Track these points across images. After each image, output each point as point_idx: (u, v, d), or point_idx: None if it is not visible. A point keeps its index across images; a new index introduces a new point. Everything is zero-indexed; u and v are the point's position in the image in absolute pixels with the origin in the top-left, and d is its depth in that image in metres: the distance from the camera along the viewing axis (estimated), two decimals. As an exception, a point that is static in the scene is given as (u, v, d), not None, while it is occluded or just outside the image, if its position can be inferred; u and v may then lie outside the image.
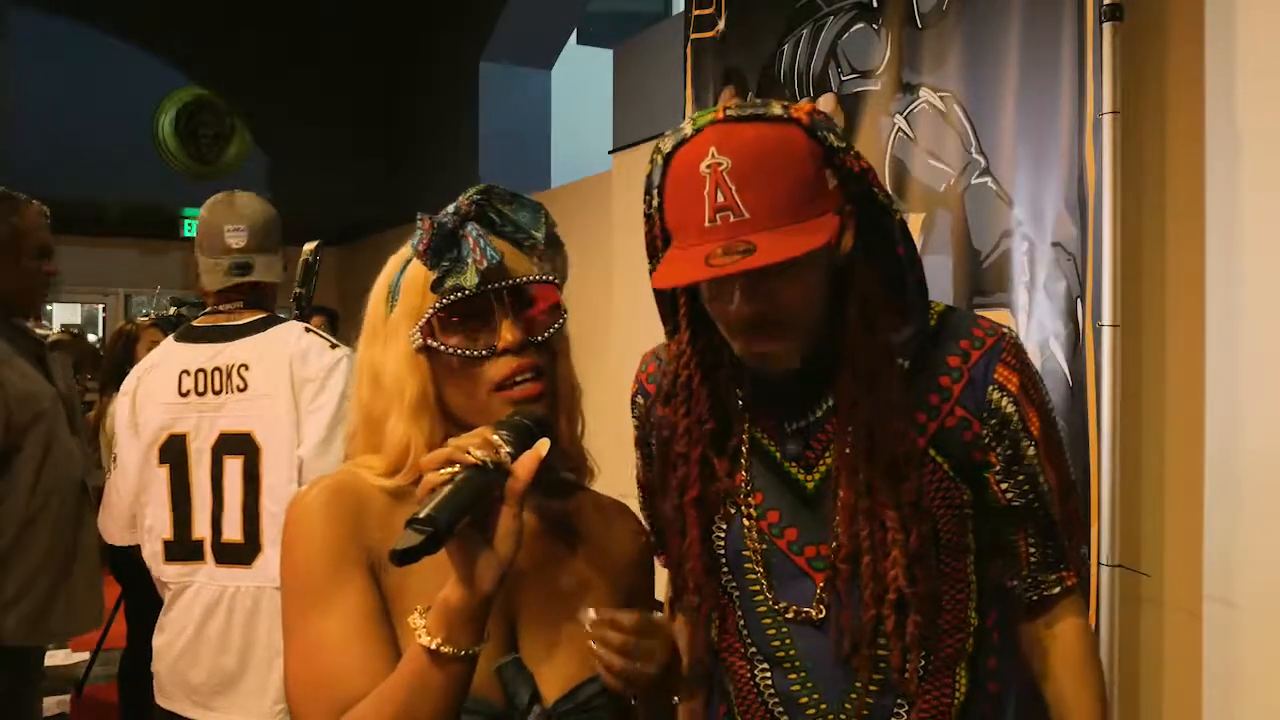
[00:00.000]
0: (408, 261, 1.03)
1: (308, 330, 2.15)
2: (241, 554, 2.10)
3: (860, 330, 1.15)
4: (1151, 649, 2.58)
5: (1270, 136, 2.25)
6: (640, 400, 1.37)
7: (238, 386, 2.11)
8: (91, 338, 9.24)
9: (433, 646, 0.88)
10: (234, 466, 2.09)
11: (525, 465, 0.90)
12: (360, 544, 0.98)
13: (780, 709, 1.21)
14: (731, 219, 1.06)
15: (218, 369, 2.13)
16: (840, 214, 1.12)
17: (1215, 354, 2.34)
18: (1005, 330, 1.22)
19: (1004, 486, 1.20)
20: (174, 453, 2.15)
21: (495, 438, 0.90)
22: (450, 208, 1.01)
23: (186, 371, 2.16)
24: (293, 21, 8.72)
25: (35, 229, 2.39)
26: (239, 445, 2.10)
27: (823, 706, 1.18)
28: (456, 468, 0.87)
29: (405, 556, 0.83)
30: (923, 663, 1.17)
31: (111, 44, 8.47)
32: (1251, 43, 2.29)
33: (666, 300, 1.27)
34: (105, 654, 3.97)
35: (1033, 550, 1.24)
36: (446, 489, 0.85)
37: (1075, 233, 2.44)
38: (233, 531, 2.09)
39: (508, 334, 0.99)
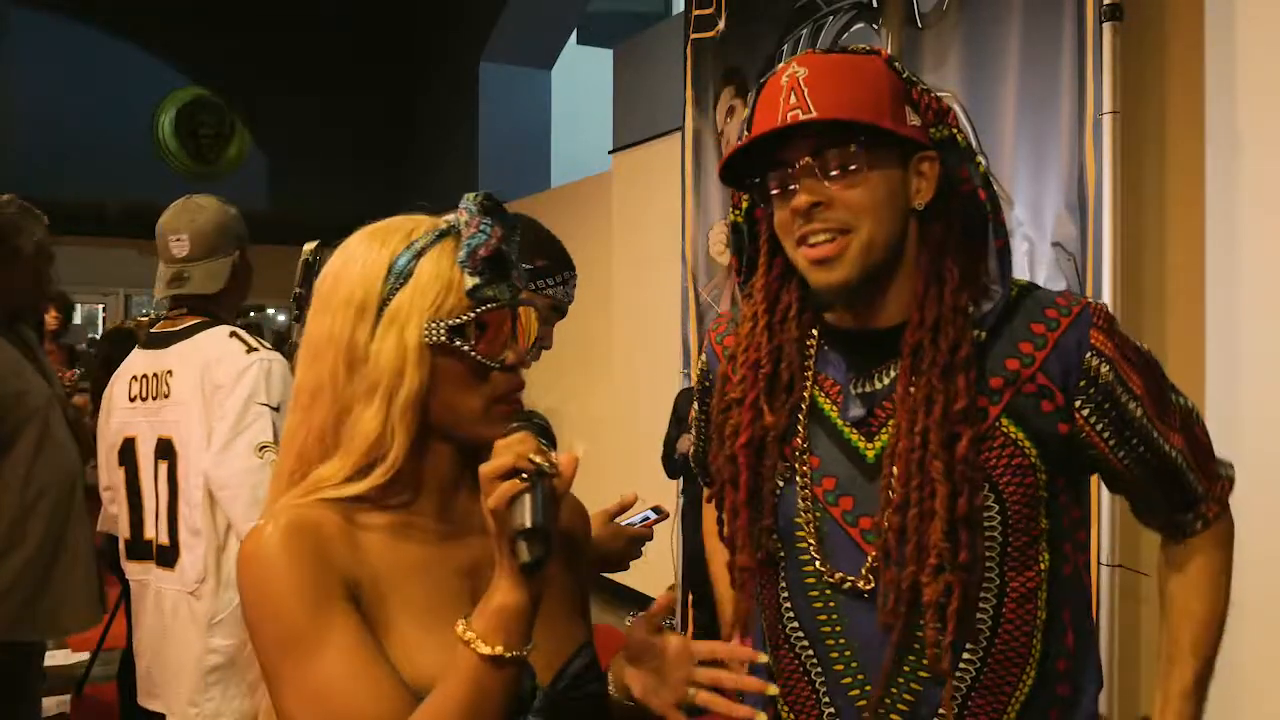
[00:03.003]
0: (420, 248, 1.01)
1: (233, 334, 2.14)
2: (168, 557, 2.15)
3: (931, 280, 1.15)
4: (1151, 649, 2.58)
5: (1270, 136, 2.25)
6: (704, 358, 1.36)
7: (164, 393, 2.16)
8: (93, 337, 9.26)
9: (494, 653, 0.88)
10: (163, 470, 2.14)
11: (569, 466, 0.92)
12: (333, 574, 0.95)
13: (824, 687, 1.19)
14: (800, 116, 1.10)
15: (155, 374, 2.18)
16: (920, 155, 1.14)
17: (1215, 354, 2.34)
18: (1089, 299, 1.21)
19: (1121, 455, 1.18)
20: (128, 456, 2.21)
21: (543, 443, 0.93)
22: (473, 209, 1.00)
23: (135, 377, 2.22)
24: (293, 21, 8.73)
25: (47, 241, 2.52)
26: (165, 450, 2.14)
27: (867, 688, 1.15)
28: (521, 477, 0.89)
29: (535, 567, 0.87)
30: (979, 654, 1.13)
31: (111, 44, 8.49)
32: (1251, 43, 2.29)
33: (745, 241, 1.27)
34: (105, 654, 3.97)
35: (1164, 500, 1.24)
36: (528, 497, 0.88)
37: (1075, 233, 2.44)
38: (163, 534, 2.15)
39: (514, 353, 1.00)
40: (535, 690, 0.99)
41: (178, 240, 2.20)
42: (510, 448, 0.91)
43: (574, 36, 8.99)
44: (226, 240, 2.23)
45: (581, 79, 8.79)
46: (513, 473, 0.89)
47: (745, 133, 1.17)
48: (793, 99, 1.10)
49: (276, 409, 2.04)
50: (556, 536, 0.90)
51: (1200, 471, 1.24)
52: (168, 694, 2.13)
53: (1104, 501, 2.39)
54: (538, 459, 0.89)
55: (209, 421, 2.06)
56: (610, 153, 5.77)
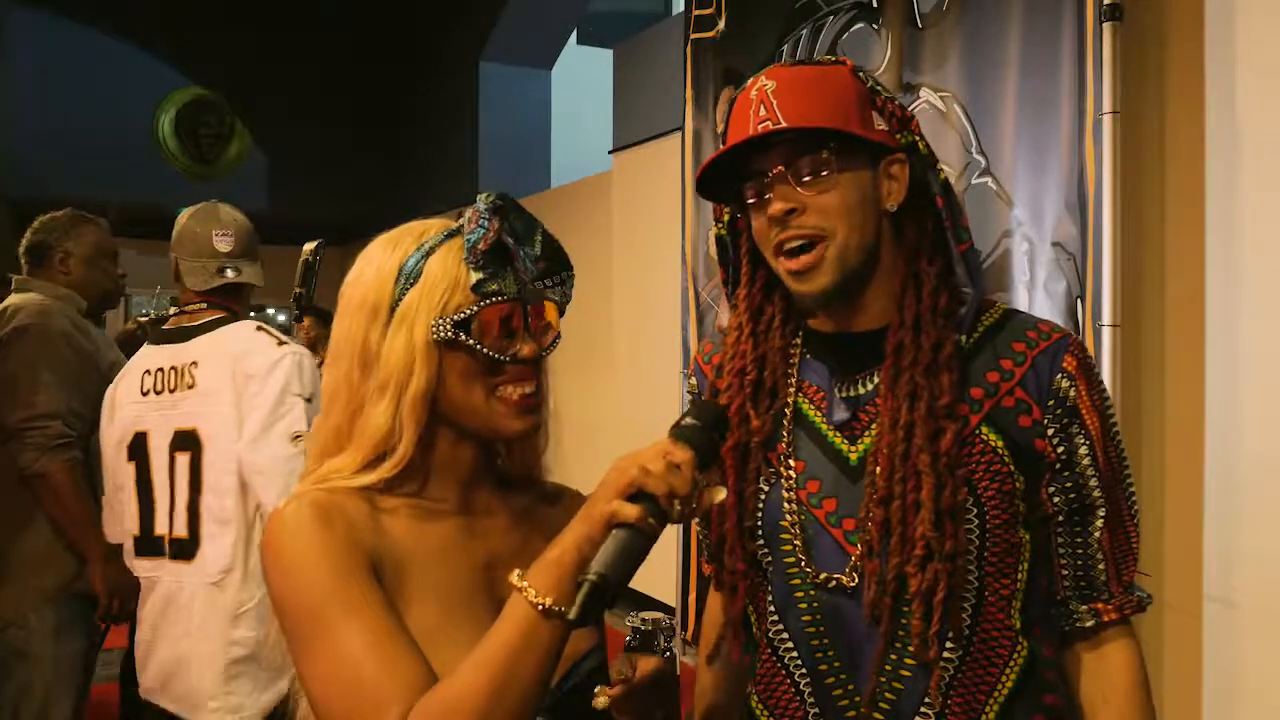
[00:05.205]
0: (428, 249, 1.03)
1: (259, 328, 2.20)
2: (186, 550, 2.15)
3: (908, 280, 1.18)
4: (1151, 649, 2.58)
5: (1270, 136, 2.25)
6: (694, 381, 1.38)
7: (188, 384, 2.18)
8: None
9: (545, 604, 0.88)
10: (183, 462, 2.16)
11: (706, 509, 0.94)
12: (358, 548, 0.97)
13: (809, 688, 1.19)
14: (771, 127, 1.13)
15: (174, 368, 2.21)
16: (890, 158, 1.17)
17: (1215, 354, 2.34)
18: (1071, 333, 1.24)
19: (1050, 490, 1.18)
20: (138, 451, 2.22)
21: (699, 476, 0.92)
22: (482, 208, 1.01)
23: (148, 371, 2.24)
24: (293, 21, 8.72)
25: (109, 239, 2.85)
26: (187, 441, 2.16)
27: (850, 687, 1.16)
28: (642, 508, 0.88)
29: (580, 623, 0.87)
30: (959, 652, 1.14)
31: (111, 44, 8.48)
32: (1251, 43, 2.29)
33: (729, 253, 1.31)
34: (105, 654, 3.97)
35: (1065, 573, 1.21)
36: (622, 539, 0.88)
37: (1075, 233, 2.44)
38: (180, 527, 2.16)
39: (528, 346, 1.02)
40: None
41: (223, 236, 2.31)
42: (659, 469, 0.91)
43: (574, 36, 8.99)
44: (257, 246, 2.37)
45: (581, 79, 8.79)
46: (640, 494, 0.89)
47: (719, 147, 1.20)
48: (763, 111, 1.14)
49: (309, 400, 2.09)
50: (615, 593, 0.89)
51: (1114, 567, 1.21)
52: (184, 691, 2.13)
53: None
54: (680, 488, 0.89)
55: (240, 411, 2.09)
56: (610, 153, 5.77)
